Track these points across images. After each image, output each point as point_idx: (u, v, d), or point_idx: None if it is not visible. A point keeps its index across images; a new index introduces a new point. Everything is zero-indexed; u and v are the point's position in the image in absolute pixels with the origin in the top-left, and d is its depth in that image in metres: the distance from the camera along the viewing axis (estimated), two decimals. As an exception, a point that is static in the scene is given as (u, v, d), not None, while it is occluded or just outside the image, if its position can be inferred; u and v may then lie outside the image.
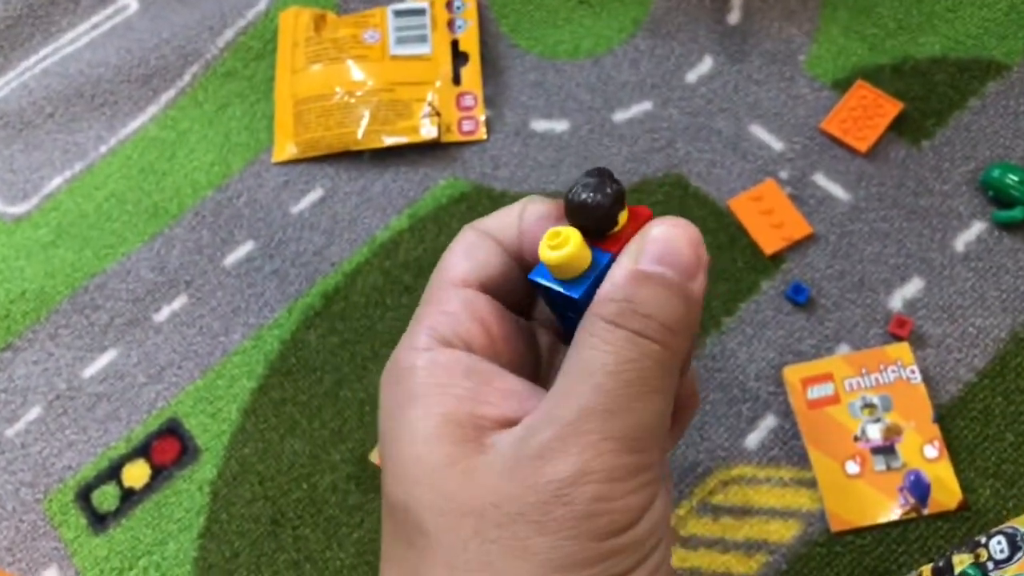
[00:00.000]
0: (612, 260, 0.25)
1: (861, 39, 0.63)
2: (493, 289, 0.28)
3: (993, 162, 0.58)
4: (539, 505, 0.23)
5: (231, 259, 0.62)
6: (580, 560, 0.24)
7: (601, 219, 0.25)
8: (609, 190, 0.25)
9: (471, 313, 0.27)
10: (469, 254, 0.28)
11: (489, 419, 0.25)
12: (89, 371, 0.59)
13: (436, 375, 0.26)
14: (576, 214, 0.25)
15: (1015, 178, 0.55)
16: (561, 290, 0.25)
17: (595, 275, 0.25)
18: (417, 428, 0.25)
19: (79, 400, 0.59)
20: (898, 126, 0.60)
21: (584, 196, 0.25)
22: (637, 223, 0.26)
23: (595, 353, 0.24)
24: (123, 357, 0.60)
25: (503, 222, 0.28)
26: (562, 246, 0.25)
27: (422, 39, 0.65)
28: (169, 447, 0.56)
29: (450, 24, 0.66)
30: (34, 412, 0.58)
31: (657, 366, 0.24)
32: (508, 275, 0.28)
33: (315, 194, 0.63)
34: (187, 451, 0.56)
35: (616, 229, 0.25)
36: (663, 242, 0.25)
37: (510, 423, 0.25)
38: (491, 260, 0.28)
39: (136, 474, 0.56)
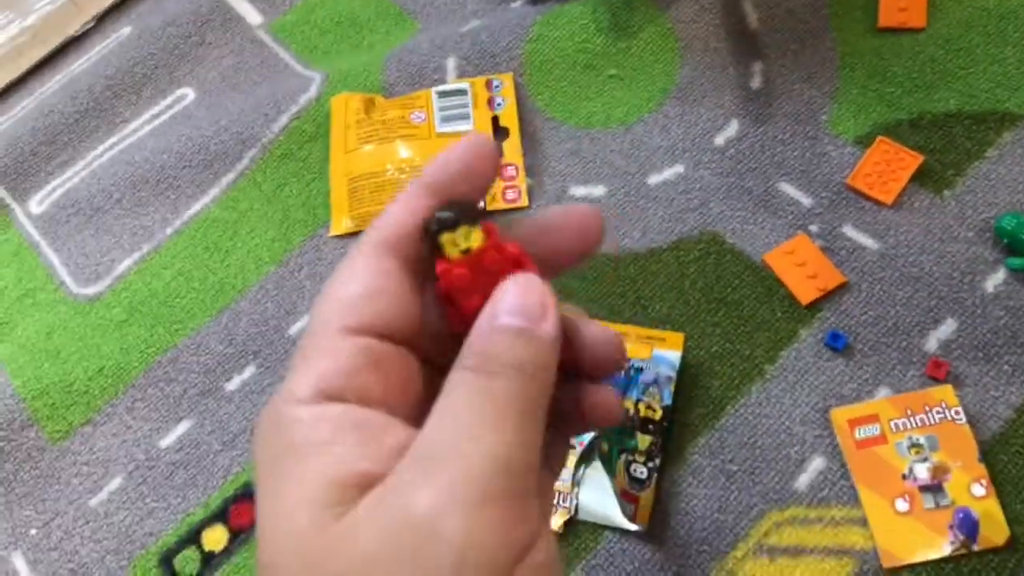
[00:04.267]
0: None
1: (879, 97, 0.64)
2: (396, 326, 0.27)
3: (1007, 211, 0.58)
4: (409, 549, 0.22)
5: (295, 328, 0.63)
6: None
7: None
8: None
9: (367, 363, 0.26)
10: (367, 292, 0.27)
11: (373, 477, 0.24)
12: (166, 441, 0.60)
13: (319, 431, 0.25)
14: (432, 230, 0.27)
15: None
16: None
17: None
18: (290, 490, 0.24)
19: (157, 469, 0.60)
20: (920, 178, 0.61)
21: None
22: (503, 256, 0.27)
23: (454, 396, 0.25)
24: (197, 426, 0.61)
25: (398, 226, 0.28)
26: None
27: (465, 117, 0.67)
28: (246, 511, 0.57)
29: (490, 102, 0.68)
30: (116, 482, 0.60)
31: (511, 400, 0.24)
32: (412, 303, 0.28)
33: (371, 265, 0.65)
34: (263, 514, 0.57)
35: (476, 245, 0.26)
36: (511, 295, 0.26)
37: None
38: (394, 298, 0.27)
39: (215, 538, 0.57)
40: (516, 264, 0.27)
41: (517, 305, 0.26)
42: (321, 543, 0.23)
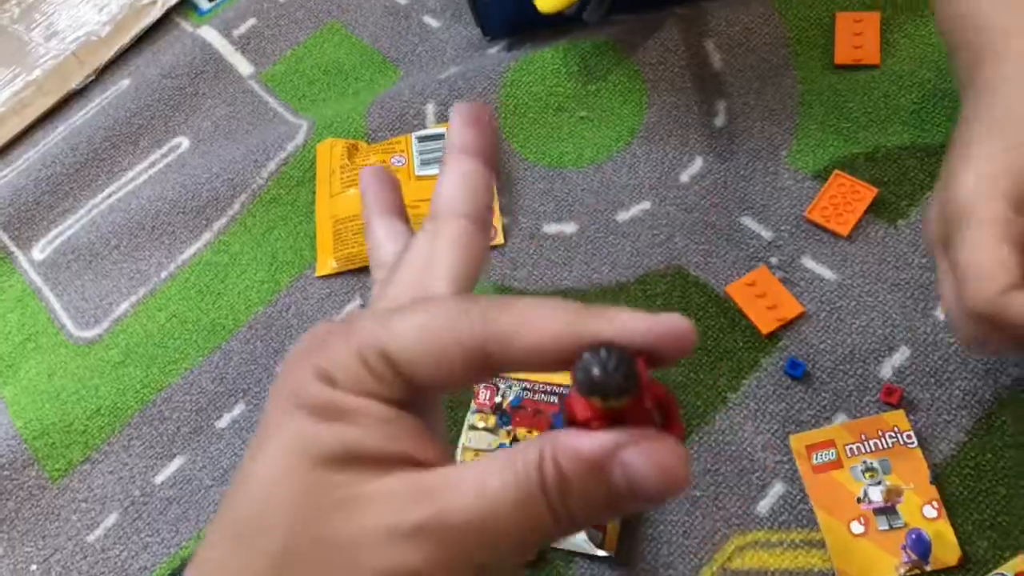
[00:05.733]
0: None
1: (836, 132, 0.66)
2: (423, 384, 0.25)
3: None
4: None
5: (282, 367, 0.64)
6: None
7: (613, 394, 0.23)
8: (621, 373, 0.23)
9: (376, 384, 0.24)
10: (419, 340, 0.24)
11: (367, 454, 0.23)
12: (160, 477, 0.62)
13: (336, 401, 0.24)
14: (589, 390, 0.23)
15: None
16: None
17: None
18: (288, 442, 0.24)
19: (152, 505, 0.61)
20: (875, 209, 0.62)
21: (598, 375, 0.22)
22: (646, 417, 0.24)
23: (504, 485, 0.23)
24: (190, 463, 0.62)
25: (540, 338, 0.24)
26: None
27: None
28: (234, 543, 0.58)
29: (466, 144, 0.70)
30: (112, 518, 0.61)
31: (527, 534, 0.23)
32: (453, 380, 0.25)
33: (355, 303, 0.66)
34: (251, 546, 0.58)
35: (623, 406, 0.23)
36: (641, 453, 0.22)
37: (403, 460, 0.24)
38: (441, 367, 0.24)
39: (206, 570, 0.58)
40: (659, 407, 0.24)
41: (643, 466, 0.22)
42: (324, 504, 0.23)
